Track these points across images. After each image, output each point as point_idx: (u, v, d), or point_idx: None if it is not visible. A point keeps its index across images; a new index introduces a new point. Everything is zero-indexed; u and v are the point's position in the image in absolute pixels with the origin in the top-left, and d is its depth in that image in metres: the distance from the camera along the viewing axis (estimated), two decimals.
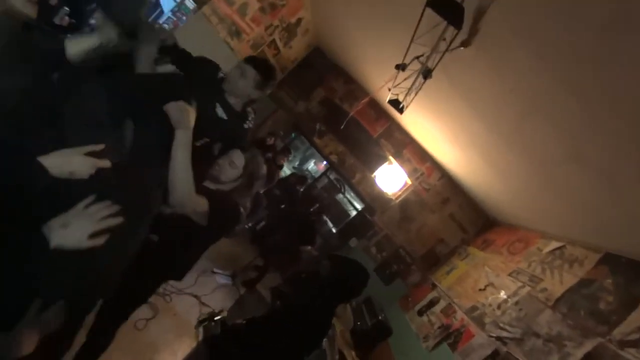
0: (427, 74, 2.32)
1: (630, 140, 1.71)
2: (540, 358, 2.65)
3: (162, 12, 4.52)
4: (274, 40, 5.13)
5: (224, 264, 3.75)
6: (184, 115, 1.33)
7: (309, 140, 5.78)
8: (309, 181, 6.70)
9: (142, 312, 2.29)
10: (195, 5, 4.14)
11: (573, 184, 2.57)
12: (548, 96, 1.94)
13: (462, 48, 2.33)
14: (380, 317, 3.77)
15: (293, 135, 6.50)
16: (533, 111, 2.18)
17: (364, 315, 3.86)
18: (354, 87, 5.67)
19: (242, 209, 1.74)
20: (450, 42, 1.95)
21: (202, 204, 1.45)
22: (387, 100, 3.34)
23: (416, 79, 2.58)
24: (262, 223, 4.90)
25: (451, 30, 1.93)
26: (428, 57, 2.30)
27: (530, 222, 3.98)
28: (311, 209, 4.02)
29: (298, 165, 8.56)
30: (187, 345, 2.41)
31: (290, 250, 3.98)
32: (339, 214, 5.94)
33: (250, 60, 1.81)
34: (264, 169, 1.87)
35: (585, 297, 2.80)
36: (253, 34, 4.74)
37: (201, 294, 2.96)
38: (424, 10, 1.84)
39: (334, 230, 5.37)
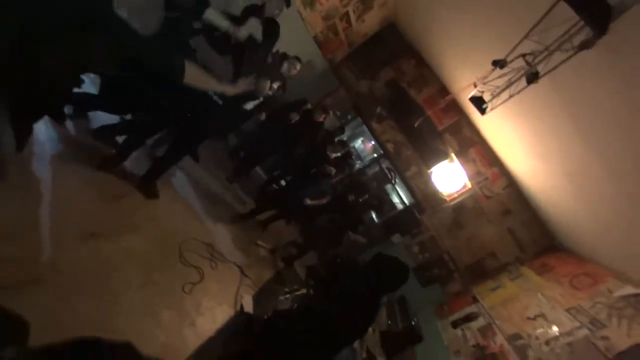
0: (532, 77, 1.95)
1: None
2: None
3: None
4: (347, 13, 4.81)
5: (267, 237, 3.83)
6: None
7: (366, 124, 5.50)
8: (358, 164, 6.50)
9: (191, 276, 2.40)
10: None
11: None
12: None
13: (581, 50, 1.92)
14: (412, 322, 3.65)
15: (349, 116, 6.22)
16: None
17: (396, 316, 3.76)
18: (426, 72, 5.19)
19: None
20: (581, 46, 1.58)
21: None
22: (468, 96, 2.97)
23: (515, 80, 2.21)
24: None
25: (585, 31, 1.56)
26: (539, 58, 1.92)
27: (606, 257, 3.48)
28: (360, 199, 3.88)
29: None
30: (226, 313, 2.52)
31: (334, 235, 3.93)
32: (385, 205, 5.71)
33: None
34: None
35: None
36: (327, 5, 4.46)
37: (243, 265, 3.06)
38: (556, 3, 1.48)
39: (376, 221, 5.21)
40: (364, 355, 2.84)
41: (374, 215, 5.24)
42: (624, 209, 2.62)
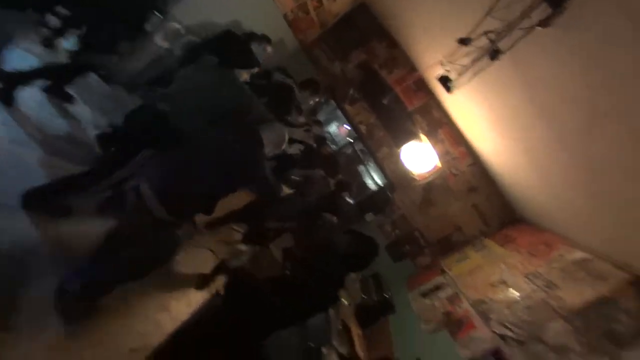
0: (495, 55, 2.03)
1: None
2: None
3: None
4: None
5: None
6: None
7: (339, 107, 5.50)
8: (333, 147, 6.51)
9: None
10: None
11: (627, 199, 2.35)
12: None
13: (538, 28, 2.01)
14: (386, 295, 3.82)
15: (322, 99, 6.16)
16: (613, 114, 1.90)
17: (371, 290, 3.92)
18: (397, 54, 5.22)
19: None
20: (540, 22, 1.65)
21: None
22: (436, 75, 3.04)
23: (478, 58, 2.28)
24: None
25: (542, 7, 1.63)
26: (501, 35, 2.00)
27: (561, 227, 3.79)
28: (335, 179, 3.92)
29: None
30: (200, 296, 2.50)
31: (310, 216, 3.96)
32: (358, 186, 5.83)
33: None
34: None
35: (601, 315, 2.73)
36: None
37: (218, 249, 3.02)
38: None
39: (351, 202, 5.29)
40: (340, 326, 2.95)
41: (348, 197, 5.32)
42: (575, 181, 2.85)
